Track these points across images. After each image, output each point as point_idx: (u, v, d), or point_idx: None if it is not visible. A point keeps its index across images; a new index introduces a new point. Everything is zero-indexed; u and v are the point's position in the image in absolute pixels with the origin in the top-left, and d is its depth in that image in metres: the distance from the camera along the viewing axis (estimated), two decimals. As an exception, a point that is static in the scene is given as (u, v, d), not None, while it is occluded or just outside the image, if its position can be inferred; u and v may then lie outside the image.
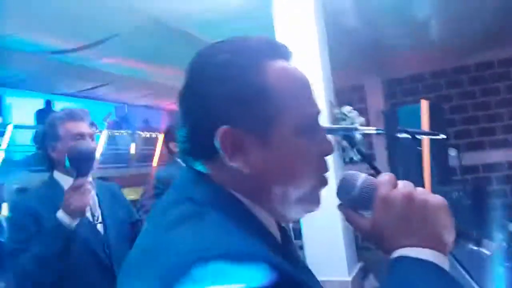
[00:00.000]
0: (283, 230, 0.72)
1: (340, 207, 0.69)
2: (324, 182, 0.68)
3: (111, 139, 8.29)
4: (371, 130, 1.23)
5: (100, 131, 7.49)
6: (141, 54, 4.82)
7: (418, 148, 1.75)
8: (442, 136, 2.24)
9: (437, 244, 0.60)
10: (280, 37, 3.35)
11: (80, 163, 1.64)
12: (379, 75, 6.59)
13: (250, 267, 0.52)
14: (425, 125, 3.05)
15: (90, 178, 1.71)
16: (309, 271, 0.76)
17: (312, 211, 0.68)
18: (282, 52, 0.68)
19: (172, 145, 2.86)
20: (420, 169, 2.00)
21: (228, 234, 0.57)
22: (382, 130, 1.37)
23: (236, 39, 0.67)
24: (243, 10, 3.74)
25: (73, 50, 4.43)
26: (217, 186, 0.65)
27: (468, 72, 6.25)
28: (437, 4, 4.09)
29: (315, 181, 0.66)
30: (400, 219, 0.61)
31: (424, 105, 2.94)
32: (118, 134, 8.15)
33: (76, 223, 1.52)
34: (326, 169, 0.68)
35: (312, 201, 0.67)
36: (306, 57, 3.28)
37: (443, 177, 3.38)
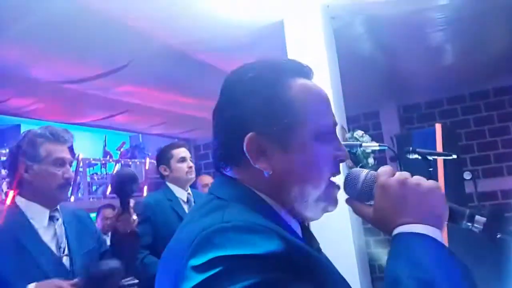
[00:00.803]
0: (304, 228, 0.79)
1: (347, 200, 0.77)
2: (336, 186, 0.76)
3: (126, 168, 8.32)
4: (375, 146, 1.21)
5: (114, 161, 7.52)
6: (155, 82, 4.85)
7: (429, 169, 1.72)
8: (454, 156, 2.20)
9: (431, 220, 0.67)
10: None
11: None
12: (395, 101, 6.55)
13: (265, 237, 0.60)
14: (439, 148, 3.01)
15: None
16: (331, 263, 0.81)
17: (329, 210, 0.76)
18: (304, 72, 0.78)
19: (162, 169, 2.82)
20: None
21: (247, 214, 0.66)
22: (385, 146, 1.35)
23: (265, 59, 0.78)
24: (255, 38, 3.76)
25: (88, 79, 4.48)
26: (243, 186, 0.74)
27: (486, 97, 6.17)
28: (452, 30, 4.06)
29: (329, 182, 0.74)
30: (396, 201, 0.69)
31: (438, 128, 2.92)
32: (131, 163, 8.18)
33: None
34: (338, 172, 0.76)
35: (328, 201, 0.74)
36: (317, 83, 3.27)
37: (459, 202, 3.28)
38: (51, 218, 1.59)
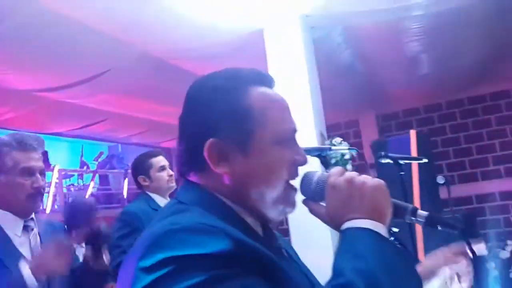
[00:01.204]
0: (267, 228, 0.81)
1: (303, 201, 0.81)
2: (294, 188, 0.79)
3: (104, 179, 8.18)
4: (344, 149, 1.23)
5: (92, 171, 7.39)
6: (134, 90, 4.79)
7: (401, 173, 1.78)
8: (424, 160, 2.26)
9: (375, 216, 0.70)
10: (272, 72, 3.37)
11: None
12: (374, 109, 6.67)
13: (212, 237, 0.63)
14: (413, 153, 3.10)
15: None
16: (297, 265, 0.84)
17: (289, 212, 0.79)
18: (265, 80, 0.82)
19: (141, 179, 2.76)
20: (405, 195, 1.99)
21: (202, 217, 0.69)
22: (354, 149, 1.38)
23: (230, 69, 0.82)
24: (235, 46, 3.77)
25: (63, 88, 4.39)
26: (204, 190, 0.77)
27: (461, 105, 6.34)
28: (428, 40, 4.15)
29: (287, 185, 0.77)
30: (344, 199, 0.73)
31: (413, 135, 3.03)
32: (110, 173, 8.04)
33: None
34: (296, 176, 0.79)
35: (286, 203, 0.77)
36: (297, 91, 3.32)
37: (433, 207, 3.37)
38: (26, 228, 1.55)
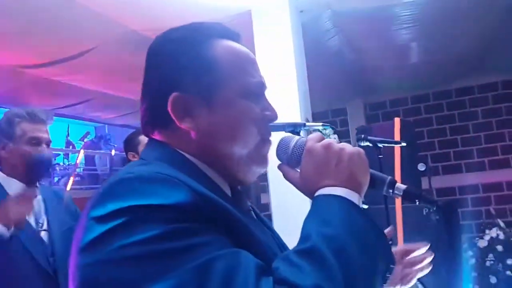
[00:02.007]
0: (236, 191, 0.78)
1: (279, 166, 0.77)
2: (267, 144, 0.76)
3: (90, 160, 8.11)
4: (318, 125, 1.23)
5: (77, 151, 7.32)
6: (121, 70, 4.73)
7: (379, 156, 1.78)
8: (403, 144, 2.28)
9: (350, 184, 0.67)
10: (259, 54, 3.35)
11: (35, 172, 1.55)
12: (361, 98, 6.68)
13: (171, 187, 0.59)
14: (397, 138, 3.11)
15: (37, 184, 1.64)
16: (264, 226, 0.80)
17: (260, 172, 0.76)
18: (231, 34, 0.78)
19: (131, 156, 2.79)
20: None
21: (162, 169, 0.64)
22: (328, 125, 1.39)
23: (193, 22, 0.78)
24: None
25: (48, 64, 4.32)
26: (169, 148, 0.72)
27: (448, 97, 6.37)
28: (417, 28, 4.15)
29: (258, 142, 0.74)
30: (320, 164, 0.70)
31: (397, 122, 3.04)
32: (97, 154, 7.97)
33: (12, 233, 1.41)
34: (269, 133, 0.76)
35: (258, 160, 0.75)
36: (284, 74, 3.30)
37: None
38: None
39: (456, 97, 6.33)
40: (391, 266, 0.65)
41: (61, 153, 7.37)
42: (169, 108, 0.70)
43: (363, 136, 1.87)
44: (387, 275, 0.64)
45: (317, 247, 0.58)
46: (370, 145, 1.87)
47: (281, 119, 0.82)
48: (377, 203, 2.40)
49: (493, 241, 3.69)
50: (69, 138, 7.94)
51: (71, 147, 7.73)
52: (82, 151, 6.98)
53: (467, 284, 3.52)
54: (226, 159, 0.72)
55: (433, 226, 2.90)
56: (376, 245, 0.63)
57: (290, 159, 0.75)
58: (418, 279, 1.18)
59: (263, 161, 0.76)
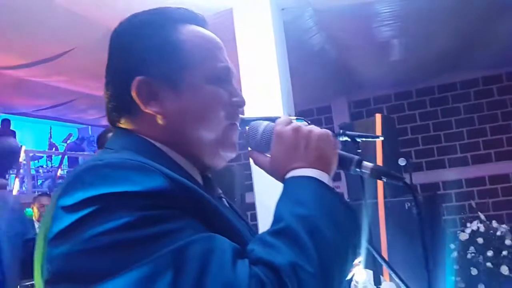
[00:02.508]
0: (206, 177, 0.78)
1: (249, 152, 0.77)
2: (235, 129, 0.75)
3: (73, 161, 8.01)
4: (293, 118, 1.22)
5: (60, 153, 7.22)
6: (101, 71, 4.67)
7: (358, 151, 1.79)
8: (381, 138, 2.31)
9: (320, 165, 0.68)
10: (241, 52, 3.34)
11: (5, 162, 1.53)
12: (345, 96, 6.73)
13: (143, 174, 0.57)
14: (378, 134, 3.14)
15: None
16: (236, 214, 0.80)
17: (229, 157, 0.76)
18: (197, 19, 0.76)
19: None
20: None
21: (132, 156, 0.62)
22: (301, 119, 1.39)
23: (158, 7, 0.75)
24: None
25: (26, 65, 4.25)
26: (136, 136, 0.71)
27: (431, 93, 6.44)
28: (398, 25, 4.18)
29: (226, 127, 0.73)
30: (289, 147, 0.70)
31: (378, 118, 3.07)
32: (81, 156, 7.88)
33: None
34: (236, 118, 0.76)
35: (225, 145, 0.74)
36: (266, 72, 3.30)
37: (396, 189, 3.45)
38: None
39: (439, 94, 6.41)
40: (362, 241, 0.67)
41: (44, 155, 7.26)
42: (133, 93, 0.69)
43: (341, 131, 1.88)
44: (358, 250, 0.66)
45: (291, 227, 0.58)
46: (349, 139, 1.88)
47: (267, 114, 0.82)
48: (360, 199, 2.41)
49: (474, 234, 3.75)
50: (52, 140, 7.82)
51: (54, 149, 7.62)
52: (64, 154, 6.89)
53: (449, 276, 3.57)
54: (194, 144, 0.71)
55: (415, 220, 2.94)
56: (348, 222, 0.64)
57: (260, 144, 0.75)
58: (398, 276, 1.20)
59: (231, 146, 0.75)
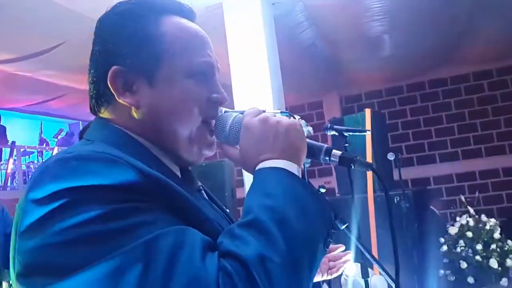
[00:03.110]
0: (185, 170, 0.77)
1: (218, 144, 0.76)
2: (210, 127, 0.74)
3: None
4: (277, 112, 1.23)
5: (51, 149, 7.18)
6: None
7: (345, 145, 1.81)
8: (368, 132, 2.35)
9: (289, 156, 0.67)
10: (231, 47, 3.33)
11: None
12: (337, 91, 6.74)
13: (113, 166, 0.57)
14: (368, 129, 3.17)
15: None
16: (215, 205, 0.79)
17: (206, 154, 0.75)
18: (183, 11, 0.74)
19: None
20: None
21: (104, 148, 0.61)
22: (287, 112, 1.40)
23: None
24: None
25: (15, 60, 4.22)
26: (113, 127, 0.70)
27: (422, 88, 6.47)
28: (388, 21, 4.19)
29: (200, 124, 0.72)
30: (257, 139, 0.69)
31: (368, 113, 3.10)
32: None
33: None
34: (213, 116, 0.74)
35: (202, 142, 0.73)
36: (256, 67, 3.30)
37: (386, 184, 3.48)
38: None
39: (430, 89, 6.44)
40: (333, 231, 0.66)
41: (35, 151, 7.22)
42: (108, 82, 0.68)
43: (329, 125, 1.90)
44: (329, 240, 0.65)
45: (259, 219, 0.58)
46: (337, 134, 1.89)
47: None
48: (349, 193, 2.43)
49: (463, 227, 3.78)
50: (42, 135, 7.77)
51: (45, 144, 7.58)
52: (55, 149, 6.86)
53: (437, 269, 3.61)
54: (169, 138, 0.71)
55: (403, 214, 2.96)
56: (317, 212, 0.63)
57: (229, 137, 0.74)
58: (385, 271, 1.22)
59: (206, 144, 0.74)
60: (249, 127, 0.70)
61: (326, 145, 0.75)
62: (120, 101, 0.69)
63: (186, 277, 0.51)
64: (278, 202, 0.60)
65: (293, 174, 0.66)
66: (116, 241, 0.52)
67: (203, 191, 0.80)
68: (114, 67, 0.68)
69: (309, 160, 0.80)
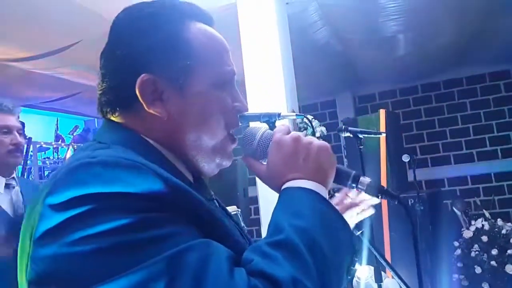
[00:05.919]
0: (197, 179, 0.75)
1: (243, 157, 0.76)
2: (234, 139, 0.74)
3: (80, 154, 8.01)
4: (292, 116, 1.22)
5: (66, 145, 7.26)
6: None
7: (360, 147, 1.80)
8: (383, 134, 2.32)
9: (317, 177, 0.67)
10: (245, 47, 3.33)
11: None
12: (350, 91, 6.69)
13: (138, 174, 0.54)
14: (382, 130, 3.14)
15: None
16: (226, 215, 0.78)
17: (224, 165, 0.74)
18: (205, 17, 0.73)
19: None
20: (363, 169, 2.02)
21: (127, 154, 0.59)
22: (302, 115, 1.39)
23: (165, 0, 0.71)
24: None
25: (33, 58, 4.28)
26: (130, 131, 0.68)
27: (436, 89, 6.39)
28: (404, 20, 4.14)
29: (225, 136, 0.72)
30: (288, 157, 0.68)
31: (382, 114, 3.06)
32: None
33: None
34: (236, 125, 0.74)
35: (223, 153, 0.73)
36: (270, 66, 3.29)
37: (400, 185, 3.45)
38: (7, 186, 1.72)
39: (445, 89, 6.36)
40: (355, 259, 0.67)
41: (50, 147, 7.32)
42: (137, 90, 0.65)
43: (343, 127, 1.89)
44: (352, 268, 0.65)
45: (291, 239, 0.56)
46: (351, 135, 1.88)
47: (267, 111, 0.81)
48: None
49: (478, 231, 3.72)
50: (58, 132, 7.86)
51: (60, 141, 7.66)
52: (70, 146, 6.94)
53: (451, 274, 3.57)
54: (191, 148, 0.69)
55: (418, 217, 2.93)
56: (344, 238, 0.63)
57: (256, 151, 0.74)
58: (398, 275, 1.21)
59: (227, 155, 0.74)
60: (280, 144, 0.70)
61: (354, 171, 0.74)
62: (150, 110, 0.66)
63: None
64: (309, 224, 0.59)
65: (322, 196, 0.65)
66: (139, 253, 0.50)
67: (215, 201, 0.79)
68: (144, 75, 0.65)
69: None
